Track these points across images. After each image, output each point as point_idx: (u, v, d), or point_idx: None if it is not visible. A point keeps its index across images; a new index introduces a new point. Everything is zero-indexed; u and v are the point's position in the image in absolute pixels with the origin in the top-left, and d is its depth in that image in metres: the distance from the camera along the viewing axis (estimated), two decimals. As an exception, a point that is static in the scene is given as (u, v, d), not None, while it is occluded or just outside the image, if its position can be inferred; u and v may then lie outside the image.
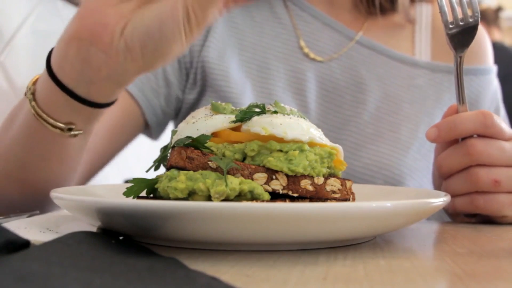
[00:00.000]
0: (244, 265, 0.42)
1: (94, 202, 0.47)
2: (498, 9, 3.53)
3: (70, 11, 1.18)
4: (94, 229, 0.50)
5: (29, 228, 0.53)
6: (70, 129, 0.62)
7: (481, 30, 1.03)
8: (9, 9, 0.96)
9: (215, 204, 0.42)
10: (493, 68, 1.03)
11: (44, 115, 0.61)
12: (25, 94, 0.63)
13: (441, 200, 0.51)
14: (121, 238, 0.48)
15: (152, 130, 0.96)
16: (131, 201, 0.44)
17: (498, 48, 3.09)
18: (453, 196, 0.67)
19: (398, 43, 1.01)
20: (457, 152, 0.68)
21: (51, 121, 0.61)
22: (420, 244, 0.54)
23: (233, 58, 0.94)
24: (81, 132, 0.64)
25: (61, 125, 0.62)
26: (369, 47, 0.98)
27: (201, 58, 0.94)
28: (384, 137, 0.93)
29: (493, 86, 1.03)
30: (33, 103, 0.61)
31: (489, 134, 0.67)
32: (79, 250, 0.39)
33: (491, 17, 3.39)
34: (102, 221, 0.48)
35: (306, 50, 0.96)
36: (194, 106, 0.96)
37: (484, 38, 1.04)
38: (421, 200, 0.49)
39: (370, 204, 0.45)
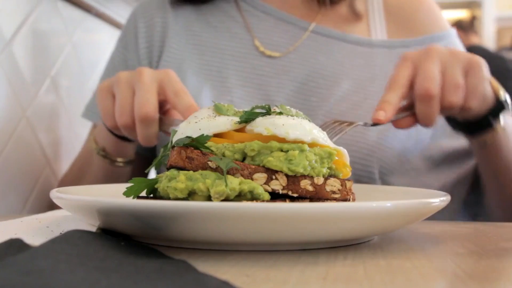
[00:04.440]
0: (244, 265, 0.42)
1: (94, 201, 0.47)
2: (473, 18, 3.82)
3: (70, 11, 1.18)
4: (93, 229, 0.50)
5: (29, 228, 0.53)
6: (130, 162, 0.93)
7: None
8: (9, 9, 0.96)
9: (215, 204, 0.42)
10: (452, 32, 1.05)
11: (116, 158, 0.91)
12: (97, 153, 0.90)
13: (440, 200, 0.51)
14: (121, 238, 0.48)
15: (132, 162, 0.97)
16: (131, 201, 0.44)
17: (478, 50, 3.24)
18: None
19: (354, 27, 1.02)
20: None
21: (120, 160, 0.92)
22: (420, 244, 0.54)
23: (192, 64, 0.97)
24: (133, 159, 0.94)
25: (123, 160, 0.92)
26: (324, 35, 1.00)
27: None
28: (349, 116, 0.93)
29: (457, 47, 1.04)
30: (103, 156, 0.91)
31: (422, 60, 0.73)
32: (87, 251, 0.39)
33: (466, 25, 3.67)
34: (102, 220, 0.48)
35: (261, 49, 0.99)
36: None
37: (433, 6, 1.06)
38: (420, 200, 0.49)
39: (370, 204, 0.45)
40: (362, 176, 0.88)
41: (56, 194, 0.51)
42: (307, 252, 0.47)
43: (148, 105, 0.74)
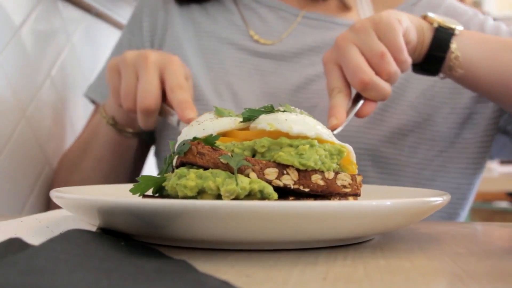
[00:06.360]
0: (244, 265, 0.42)
1: (95, 200, 0.47)
2: None
3: (70, 11, 1.18)
4: (93, 229, 0.50)
5: (29, 228, 0.53)
6: (138, 133, 0.96)
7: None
8: (9, 9, 0.96)
9: (216, 203, 0.42)
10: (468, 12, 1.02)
11: (124, 128, 0.95)
12: (107, 122, 0.93)
13: (441, 199, 0.51)
14: (121, 238, 0.48)
15: (140, 134, 1.00)
16: (133, 200, 0.44)
17: None
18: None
19: (344, 14, 1.05)
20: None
21: (129, 130, 0.95)
22: (420, 244, 0.54)
23: (190, 47, 1.02)
24: (141, 131, 0.96)
25: (132, 130, 0.95)
26: (316, 19, 1.03)
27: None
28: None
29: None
30: (112, 125, 0.94)
31: (338, 56, 0.74)
32: (87, 250, 0.39)
33: None
34: (103, 220, 0.48)
35: (256, 37, 1.02)
36: None
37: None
38: (420, 198, 0.49)
39: (370, 202, 0.45)
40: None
41: (56, 194, 0.51)
42: (307, 252, 0.47)
43: (149, 97, 0.77)
